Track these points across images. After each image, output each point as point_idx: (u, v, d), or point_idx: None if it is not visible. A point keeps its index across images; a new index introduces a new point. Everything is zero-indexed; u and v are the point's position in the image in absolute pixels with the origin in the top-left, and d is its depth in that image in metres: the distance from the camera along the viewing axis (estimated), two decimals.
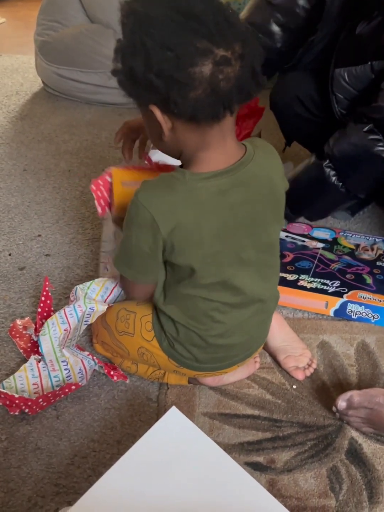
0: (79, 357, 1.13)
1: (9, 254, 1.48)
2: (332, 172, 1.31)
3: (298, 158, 1.94)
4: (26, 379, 1.11)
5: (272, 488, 0.92)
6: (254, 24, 1.40)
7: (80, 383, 1.07)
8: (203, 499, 0.77)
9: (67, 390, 1.06)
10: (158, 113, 0.79)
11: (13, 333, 1.21)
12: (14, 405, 1.02)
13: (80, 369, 1.12)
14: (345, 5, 1.28)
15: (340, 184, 1.31)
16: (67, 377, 1.10)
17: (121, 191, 1.04)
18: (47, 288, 1.22)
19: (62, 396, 1.07)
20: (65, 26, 2.47)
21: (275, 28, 1.38)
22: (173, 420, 0.85)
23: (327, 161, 1.30)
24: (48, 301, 1.23)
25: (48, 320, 1.13)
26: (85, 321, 1.11)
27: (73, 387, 1.06)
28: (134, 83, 0.78)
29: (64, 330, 1.13)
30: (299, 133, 1.60)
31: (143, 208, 0.83)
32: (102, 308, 1.08)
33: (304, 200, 1.39)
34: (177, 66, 0.72)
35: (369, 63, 1.22)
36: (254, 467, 0.95)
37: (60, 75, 2.38)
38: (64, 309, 1.15)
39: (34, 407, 1.02)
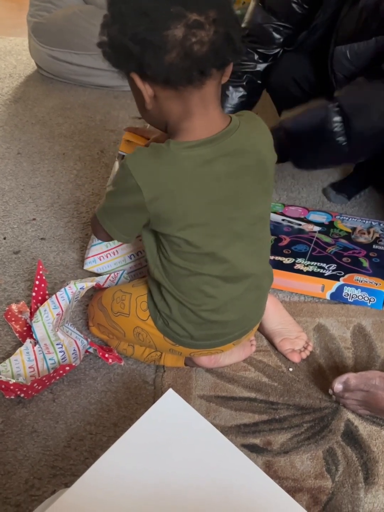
0: (72, 338, 1.14)
1: (4, 238, 1.46)
2: (337, 118, 1.17)
3: None
4: (22, 363, 1.10)
5: (269, 469, 0.92)
6: (251, 28, 1.43)
7: (74, 364, 1.07)
8: (200, 481, 0.77)
9: (61, 371, 1.06)
10: (138, 80, 0.81)
11: (8, 316, 1.21)
12: (9, 390, 1.01)
13: (74, 350, 1.12)
14: None
15: (342, 139, 1.19)
16: (62, 359, 1.11)
17: (125, 148, 1.19)
18: (41, 272, 1.21)
19: (57, 378, 1.07)
20: (59, 7, 2.43)
21: (271, 29, 1.42)
22: (170, 402, 0.85)
23: (336, 104, 1.17)
24: (43, 285, 1.22)
25: (41, 307, 1.14)
26: (76, 298, 1.15)
27: (67, 368, 1.06)
28: (114, 51, 0.81)
29: (57, 314, 1.14)
30: None
31: (129, 174, 0.84)
32: (91, 283, 1.14)
33: (298, 141, 1.27)
34: (151, 30, 0.75)
35: (373, 38, 1.18)
36: (251, 449, 0.95)
37: (54, 57, 2.35)
38: (56, 294, 1.16)
39: (30, 391, 1.02)
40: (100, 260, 1.26)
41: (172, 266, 0.94)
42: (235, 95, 1.46)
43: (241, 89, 1.46)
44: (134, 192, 0.85)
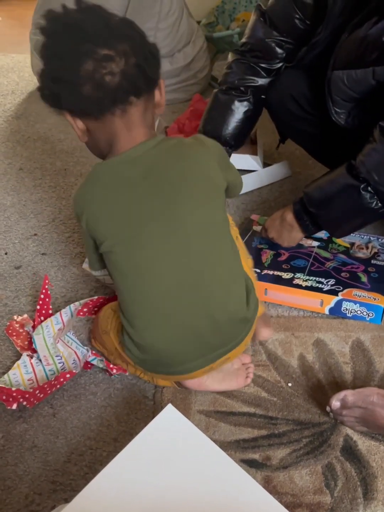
0: (72, 348, 1.16)
1: (5, 253, 1.48)
2: (372, 197, 1.15)
3: (293, 157, 1.96)
4: (21, 376, 1.11)
5: (268, 485, 0.92)
6: (254, 43, 1.44)
7: (74, 371, 1.08)
8: (199, 496, 0.78)
9: (62, 379, 1.06)
10: (68, 116, 0.89)
11: (10, 331, 1.21)
12: (11, 399, 1.02)
13: (74, 360, 1.14)
14: (348, 4, 1.26)
15: (380, 206, 1.17)
16: (61, 369, 1.12)
17: None
18: (46, 286, 1.23)
19: (58, 386, 1.07)
20: None
21: (274, 44, 1.43)
22: (169, 417, 0.86)
23: (365, 184, 1.14)
24: (47, 299, 1.23)
25: (43, 323, 1.17)
26: (76, 308, 1.20)
27: (68, 375, 1.07)
28: (46, 93, 0.89)
29: (59, 329, 1.16)
30: (293, 131, 1.60)
31: (74, 204, 0.95)
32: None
33: (335, 221, 1.25)
34: (64, 68, 0.83)
35: (370, 68, 1.17)
36: (250, 464, 0.95)
37: None
38: (60, 311, 1.18)
39: (32, 399, 1.03)
40: None
41: (117, 291, 0.97)
42: (240, 109, 1.48)
43: (246, 103, 1.48)
44: (78, 218, 0.93)
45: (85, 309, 1.24)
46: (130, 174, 0.90)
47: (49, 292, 1.25)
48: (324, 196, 1.22)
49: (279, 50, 1.43)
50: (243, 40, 1.50)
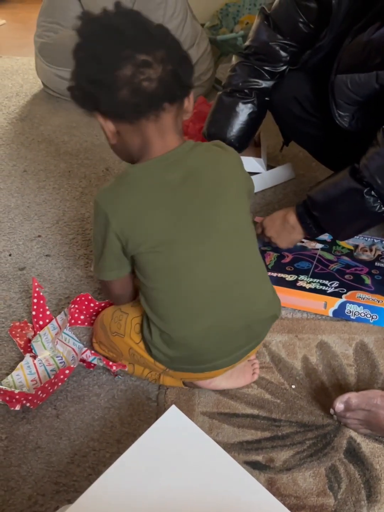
0: (70, 345, 1.17)
1: (9, 255, 1.48)
2: (375, 200, 1.15)
3: (297, 159, 1.96)
4: (24, 377, 1.12)
5: (271, 487, 0.92)
6: (258, 46, 1.45)
7: (72, 366, 1.08)
8: (202, 498, 0.78)
9: (62, 376, 1.07)
10: (100, 118, 0.89)
11: (13, 332, 1.22)
12: (14, 400, 1.02)
13: (73, 356, 1.15)
14: (352, 8, 1.26)
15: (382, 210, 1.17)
16: (62, 367, 1.13)
17: None
18: (36, 289, 1.23)
19: (59, 384, 1.07)
20: (65, 27, 2.48)
21: (278, 47, 1.43)
22: (173, 418, 0.86)
23: (368, 189, 1.15)
24: (41, 301, 1.23)
25: (40, 331, 1.19)
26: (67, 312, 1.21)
27: (67, 371, 1.07)
28: (78, 94, 0.89)
29: (56, 334, 1.17)
30: (297, 133, 1.60)
31: (98, 206, 0.92)
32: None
33: (333, 217, 1.25)
34: (102, 71, 0.84)
35: (374, 72, 1.17)
36: (253, 466, 0.95)
37: (60, 77, 2.38)
38: (56, 318, 1.20)
39: (35, 400, 1.03)
40: None
41: (147, 289, 0.97)
42: (245, 112, 1.48)
43: (250, 105, 1.48)
44: (105, 221, 0.91)
45: (82, 316, 1.24)
46: (170, 178, 0.91)
47: (41, 293, 1.25)
48: (328, 200, 1.22)
49: (283, 53, 1.44)
50: (247, 43, 1.50)
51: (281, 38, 1.42)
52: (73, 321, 1.23)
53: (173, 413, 0.86)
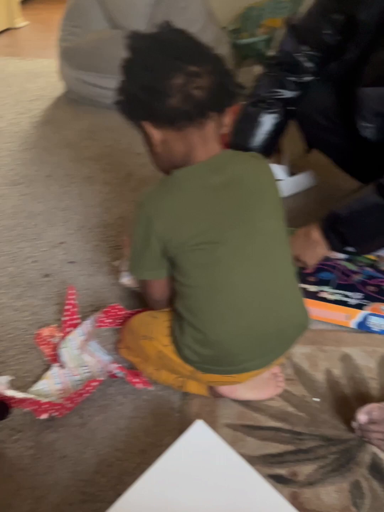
0: (97, 357, 1.19)
1: (34, 261, 1.50)
2: None
3: (319, 166, 1.95)
4: (51, 386, 1.13)
5: (295, 501, 0.93)
6: (282, 56, 1.45)
7: (101, 378, 1.10)
8: None
9: (89, 388, 1.08)
10: (149, 126, 0.95)
11: (38, 340, 1.24)
12: (41, 409, 1.04)
13: (100, 368, 1.16)
14: (380, 22, 1.26)
15: None
16: (88, 378, 1.14)
17: None
18: (71, 297, 1.25)
19: (86, 395, 1.09)
20: (88, 31, 2.50)
21: (303, 58, 1.43)
22: (199, 432, 0.87)
23: None
24: (75, 309, 1.25)
25: (68, 336, 1.19)
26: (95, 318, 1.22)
27: (95, 383, 1.09)
28: (128, 103, 0.96)
29: (82, 341, 1.18)
30: (321, 142, 1.60)
31: (142, 208, 0.97)
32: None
33: (363, 239, 1.28)
34: (156, 79, 0.90)
35: None
36: (277, 480, 0.96)
37: (83, 80, 2.41)
38: (84, 323, 1.21)
39: (62, 410, 1.05)
40: None
41: (184, 287, 0.99)
42: (269, 122, 1.48)
43: (274, 116, 1.48)
44: (148, 223, 0.95)
45: (108, 320, 1.26)
46: (213, 181, 0.96)
47: (75, 301, 1.26)
48: (352, 215, 1.23)
49: (308, 64, 1.44)
50: (272, 53, 1.51)
51: (306, 49, 1.43)
52: (99, 324, 1.24)
53: (199, 427, 0.88)
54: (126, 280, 1.30)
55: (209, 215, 0.95)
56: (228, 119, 0.99)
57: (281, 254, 1.03)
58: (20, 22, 3.78)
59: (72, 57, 2.43)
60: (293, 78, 1.47)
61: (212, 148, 0.98)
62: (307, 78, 1.47)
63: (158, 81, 0.91)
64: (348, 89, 1.39)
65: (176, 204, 0.96)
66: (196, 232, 0.95)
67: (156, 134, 0.95)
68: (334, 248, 1.31)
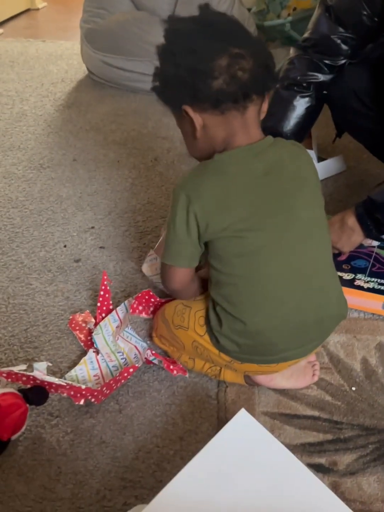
0: (132, 343, 1.18)
1: (64, 246, 1.50)
2: None
3: (347, 151, 1.93)
4: (87, 372, 1.13)
5: (336, 490, 0.92)
6: (317, 38, 1.42)
7: (137, 365, 1.10)
8: (273, 503, 0.79)
9: (126, 374, 1.08)
10: (190, 111, 0.92)
11: (72, 325, 1.24)
12: (79, 395, 1.04)
13: (135, 354, 1.16)
14: None
15: None
16: (124, 364, 1.15)
17: None
18: (105, 283, 1.24)
19: (123, 381, 1.09)
20: (111, 13, 2.47)
21: (339, 40, 1.40)
22: (242, 421, 0.86)
23: None
24: (107, 295, 1.25)
25: (101, 322, 1.19)
26: (130, 304, 1.22)
27: (131, 370, 1.09)
28: (167, 86, 0.93)
29: (116, 327, 1.18)
30: (354, 127, 1.57)
31: (181, 190, 0.94)
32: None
33: None
34: (200, 60, 0.88)
35: None
36: (317, 469, 0.96)
37: (106, 63, 2.39)
38: (116, 309, 1.20)
39: (100, 396, 1.05)
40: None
41: (222, 276, 0.97)
42: (302, 105, 1.45)
43: (308, 99, 1.45)
44: (186, 204, 0.93)
45: (140, 307, 1.26)
46: (255, 166, 0.95)
47: (108, 288, 1.26)
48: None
49: (344, 47, 1.41)
50: (306, 35, 1.47)
51: (342, 31, 1.39)
52: (131, 310, 1.24)
53: (242, 416, 0.87)
54: (146, 267, 1.29)
55: (250, 201, 0.94)
56: (265, 105, 0.97)
57: (320, 243, 1.01)
58: (40, 3, 3.75)
59: (95, 39, 2.41)
60: (328, 61, 1.43)
61: (253, 134, 0.96)
62: (342, 61, 1.44)
63: (203, 63, 0.89)
64: (383, 73, 1.37)
65: (218, 188, 0.93)
66: (237, 218, 0.93)
67: (198, 118, 0.93)
68: (370, 235, 1.29)
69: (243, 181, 0.94)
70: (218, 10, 0.96)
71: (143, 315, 1.27)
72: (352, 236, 1.30)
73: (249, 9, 2.66)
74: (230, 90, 0.89)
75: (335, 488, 0.93)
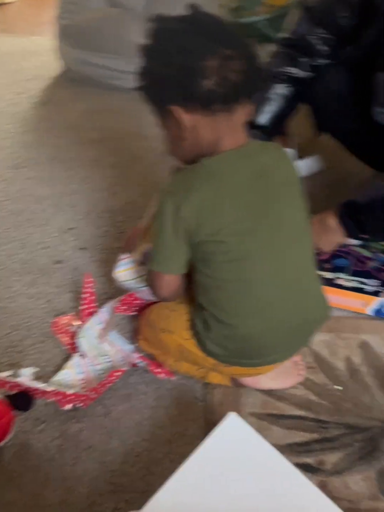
0: (118, 346, 1.18)
1: (45, 247, 1.48)
2: None
3: (327, 150, 1.94)
4: (73, 376, 1.13)
5: (323, 489, 0.93)
6: (297, 39, 1.43)
7: (123, 368, 1.10)
8: (264, 504, 0.80)
9: (112, 378, 1.08)
10: (179, 111, 0.90)
11: (56, 329, 1.23)
12: (65, 400, 1.03)
13: (121, 358, 1.16)
14: None
15: None
16: (110, 367, 1.14)
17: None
18: (88, 285, 1.23)
19: (109, 385, 1.09)
20: (87, 9, 2.44)
21: (318, 41, 1.41)
22: (232, 424, 0.87)
23: None
24: (92, 297, 1.24)
25: (85, 324, 1.17)
26: (113, 306, 1.19)
27: (118, 373, 1.08)
28: (157, 86, 0.91)
29: (101, 329, 1.17)
30: (334, 127, 1.59)
31: (167, 197, 0.92)
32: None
33: (381, 228, 1.29)
34: (191, 59, 0.87)
35: None
36: (305, 469, 0.97)
37: (84, 60, 2.36)
38: (99, 311, 1.19)
39: (87, 400, 1.04)
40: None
41: (210, 281, 0.97)
42: (279, 94, 1.47)
43: (285, 90, 1.47)
44: (174, 208, 0.91)
45: (124, 307, 1.25)
46: (244, 170, 0.94)
47: (93, 289, 1.25)
48: (370, 203, 1.23)
49: (322, 48, 1.42)
50: (286, 35, 1.48)
51: (322, 32, 1.40)
52: (115, 311, 1.23)
53: (232, 419, 0.88)
54: (122, 273, 1.25)
55: (241, 206, 0.93)
56: (252, 107, 0.95)
57: (305, 246, 1.02)
58: None
59: (72, 35, 2.38)
60: (307, 60, 1.45)
61: (239, 137, 0.95)
62: (321, 61, 1.45)
63: (195, 62, 0.87)
64: (364, 74, 1.38)
65: (209, 193, 0.92)
66: (228, 223, 0.92)
67: (186, 118, 0.91)
68: (351, 235, 1.31)
69: (233, 186, 0.93)
70: (208, 11, 0.93)
71: (128, 313, 1.26)
72: (333, 236, 1.31)
73: (223, 6, 2.66)
74: (221, 91, 0.88)
75: (323, 487, 0.94)
